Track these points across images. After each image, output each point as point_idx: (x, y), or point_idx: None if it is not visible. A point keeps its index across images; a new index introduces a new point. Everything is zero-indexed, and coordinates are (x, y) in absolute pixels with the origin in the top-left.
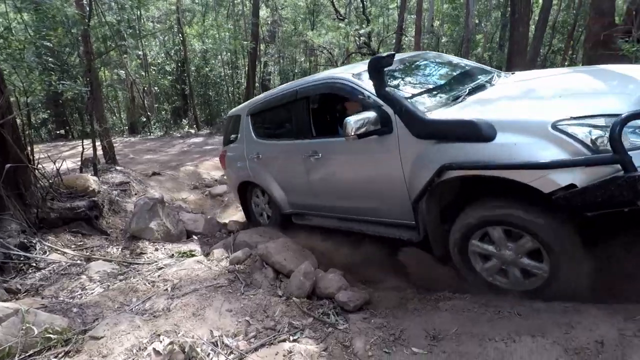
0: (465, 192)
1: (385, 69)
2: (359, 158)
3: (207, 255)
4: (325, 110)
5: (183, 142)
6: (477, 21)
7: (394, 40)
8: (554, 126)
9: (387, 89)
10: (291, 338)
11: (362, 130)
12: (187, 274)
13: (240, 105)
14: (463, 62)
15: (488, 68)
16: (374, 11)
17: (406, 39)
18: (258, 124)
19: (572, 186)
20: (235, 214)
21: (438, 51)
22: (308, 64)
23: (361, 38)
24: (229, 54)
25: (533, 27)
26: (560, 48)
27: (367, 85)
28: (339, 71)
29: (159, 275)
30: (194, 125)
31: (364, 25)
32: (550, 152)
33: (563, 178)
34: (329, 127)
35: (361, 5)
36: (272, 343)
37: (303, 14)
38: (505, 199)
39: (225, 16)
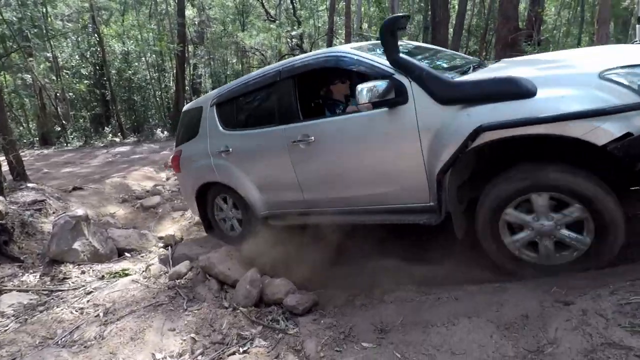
0: (490, 161)
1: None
2: (365, 136)
3: (143, 272)
4: (310, 93)
5: (107, 152)
6: None
7: (326, 42)
8: (602, 76)
9: (400, 54)
10: (241, 349)
11: (377, 98)
12: (122, 295)
13: (200, 98)
14: (445, 50)
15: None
16: (304, 13)
17: (337, 40)
18: (227, 114)
19: (627, 135)
20: (171, 226)
21: None
22: (240, 65)
23: (293, 40)
24: (154, 56)
25: (451, 30)
26: (475, 49)
27: (370, 56)
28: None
29: (88, 301)
30: (119, 133)
31: (295, 27)
32: (600, 102)
33: (618, 127)
34: (316, 111)
35: (291, 7)
36: (221, 358)
37: (232, 15)
38: (561, 163)
39: (147, 15)
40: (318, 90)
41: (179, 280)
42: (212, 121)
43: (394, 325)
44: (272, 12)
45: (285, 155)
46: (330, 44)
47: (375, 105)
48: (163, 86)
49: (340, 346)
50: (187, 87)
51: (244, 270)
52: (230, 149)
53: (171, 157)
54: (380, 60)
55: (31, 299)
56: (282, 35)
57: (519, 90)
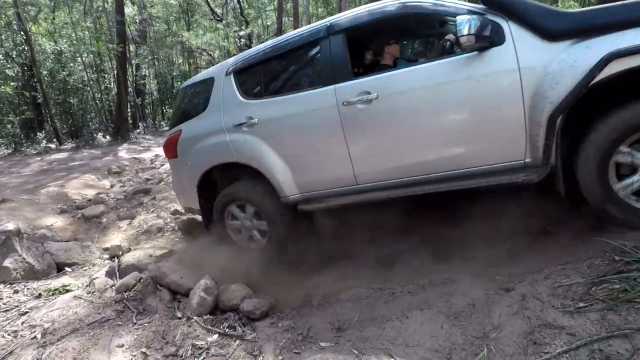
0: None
1: None
2: (449, 87)
3: (86, 287)
4: (359, 52)
5: (41, 159)
6: None
7: None
8: None
9: None
10: None
11: (479, 31)
12: (62, 313)
13: (210, 69)
14: None
15: None
16: (252, 13)
17: None
18: (250, 81)
19: None
20: (117, 236)
21: None
22: (187, 66)
23: (241, 40)
24: (91, 56)
25: None
26: None
27: (449, 1)
28: None
29: (22, 323)
30: (55, 139)
31: (243, 27)
32: None
33: None
34: (368, 70)
35: (238, 6)
36: None
37: (176, 13)
38: None
39: (82, 12)
40: (362, 51)
41: (127, 293)
42: (228, 91)
43: (351, 323)
44: (219, 11)
45: (333, 120)
46: None
47: (477, 39)
48: (103, 88)
49: (299, 348)
50: (130, 89)
51: (198, 277)
52: (256, 120)
53: (165, 141)
54: (462, 2)
55: None
56: (230, 35)
57: None
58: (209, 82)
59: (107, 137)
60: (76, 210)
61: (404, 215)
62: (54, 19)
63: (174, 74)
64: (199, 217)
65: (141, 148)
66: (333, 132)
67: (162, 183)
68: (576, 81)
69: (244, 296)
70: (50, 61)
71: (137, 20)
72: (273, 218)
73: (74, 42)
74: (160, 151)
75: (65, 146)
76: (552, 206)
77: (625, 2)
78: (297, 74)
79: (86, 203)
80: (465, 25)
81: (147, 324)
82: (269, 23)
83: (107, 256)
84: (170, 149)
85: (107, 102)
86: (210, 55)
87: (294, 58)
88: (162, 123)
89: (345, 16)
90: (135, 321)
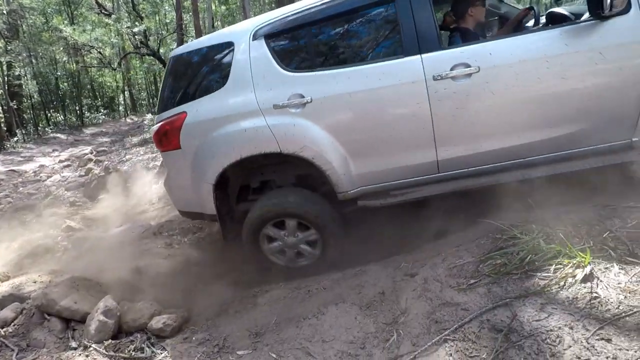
0: None
1: None
2: (566, 58)
3: None
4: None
5: None
6: None
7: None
8: None
9: None
10: None
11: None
12: None
13: (221, 31)
14: None
15: None
16: (147, 8)
17: (187, 38)
18: (294, 48)
19: None
20: None
21: None
22: (74, 65)
23: (137, 37)
24: None
25: None
26: None
27: None
28: None
29: None
30: None
31: (137, 23)
32: None
33: None
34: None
35: (130, 0)
36: None
37: (55, 5)
38: None
39: None
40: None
41: (4, 329)
42: (261, 61)
43: (268, 327)
44: (109, 5)
45: (419, 97)
46: (180, 42)
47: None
48: None
49: None
50: (0, 90)
51: (96, 299)
52: (309, 99)
53: (157, 128)
54: None
55: None
56: (122, 32)
57: None
58: (224, 49)
59: None
60: None
61: None
62: None
63: (58, 73)
64: (93, 233)
65: (21, 159)
66: (417, 112)
67: (51, 197)
68: None
69: (152, 313)
70: None
71: (5, 12)
72: (324, 223)
73: None
74: (45, 161)
75: None
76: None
77: None
78: (364, 40)
79: None
80: None
81: None
82: (168, 20)
83: None
84: (168, 138)
85: None
86: (100, 52)
87: (359, 20)
88: (47, 129)
89: None
90: None
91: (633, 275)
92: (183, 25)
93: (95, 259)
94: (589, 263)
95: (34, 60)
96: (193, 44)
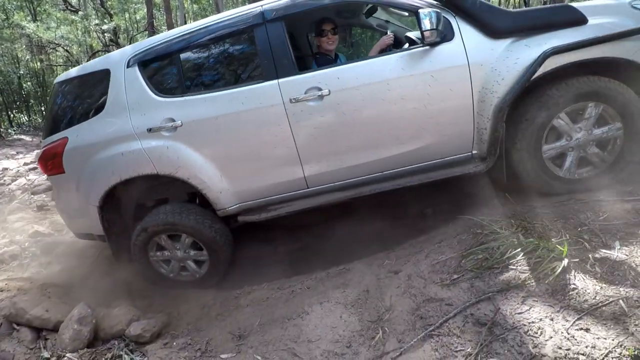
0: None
1: None
2: (403, 81)
3: None
4: (295, 41)
5: None
6: None
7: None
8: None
9: None
10: None
11: (440, 26)
12: None
13: (98, 59)
14: None
15: None
16: (116, 5)
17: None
18: (164, 74)
19: None
20: None
21: None
22: (39, 63)
23: (105, 34)
24: None
25: None
26: None
27: None
28: None
29: None
30: None
31: (106, 20)
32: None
33: None
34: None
35: None
36: None
37: (16, 1)
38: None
39: None
40: (297, 40)
41: None
42: (135, 87)
43: (252, 329)
44: (74, 1)
45: (279, 119)
46: None
47: (438, 34)
48: None
49: None
50: None
51: (69, 307)
52: (180, 122)
53: (41, 153)
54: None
55: None
56: (90, 29)
57: (577, 16)
58: (102, 76)
59: None
60: None
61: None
62: None
63: (21, 72)
64: (63, 238)
65: None
66: (279, 133)
67: (16, 201)
68: (520, 76)
69: (130, 319)
70: None
71: None
72: (216, 247)
73: None
74: (8, 164)
75: None
76: (424, 191)
77: (555, 5)
78: (228, 67)
79: None
80: (429, 18)
81: None
82: (139, 17)
83: None
84: (52, 163)
85: None
86: (67, 51)
87: (223, 47)
88: (9, 131)
89: (281, 1)
90: None
91: (607, 266)
92: (154, 23)
93: (68, 265)
94: (565, 256)
95: None
96: (74, 70)
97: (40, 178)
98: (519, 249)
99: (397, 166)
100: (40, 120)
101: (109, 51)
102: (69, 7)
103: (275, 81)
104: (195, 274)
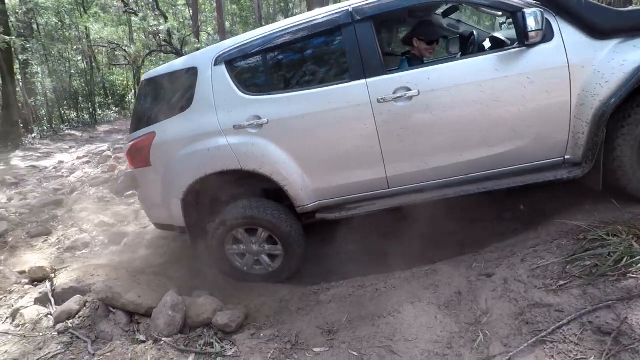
0: None
1: None
2: (497, 83)
3: (14, 320)
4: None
5: None
6: (262, 24)
7: (196, 40)
8: None
9: None
10: None
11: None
12: None
13: (185, 57)
14: None
15: None
16: (161, 6)
17: (204, 38)
18: (251, 73)
19: None
20: (32, 257)
21: None
22: (89, 62)
23: (159, 35)
24: None
25: None
26: None
27: None
28: None
29: None
30: None
31: (161, 21)
32: None
33: None
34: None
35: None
36: None
37: (69, 4)
38: None
39: None
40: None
41: (70, 321)
42: (221, 85)
43: (341, 324)
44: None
45: (365, 118)
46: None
47: (539, 37)
48: None
49: (291, 357)
50: (19, 89)
51: (157, 294)
52: (266, 120)
53: (129, 146)
54: None
55: None
56: (147, 30)
57: None
58: (189, 74)
59: None
60: None
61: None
62: None
63: (72, 71)
64: (129, 228)
65: (40, 155)
66: (364, 132)
67: (77, 193)
68: (628, 79)
69: (215, 309)
70: None
71: (20, 12)
72: (291, 242)
73: None
74: (63, 157)
75: None
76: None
77: None
78: (315, 66)
79: None
80: (534, 17)
81: (108, 354)
82: (181, 19)
83: (27, 281)
84: (139, 157)
85: None
86: (125, 50)
87: (309, 47)
88: (61, 127)
89: (370, 1)
90: (92, 352)
91: None
92: (199, 24)
93: (141, 254)
94: None
95: (49, 59)
96: (161, 68)
97: (95, 171)
98: (637, 257)
99: (483, 169)
100: (87, 117)
101: (163, 51)
102: (128, 10)
103: (363, 81)
104: (268, 267)
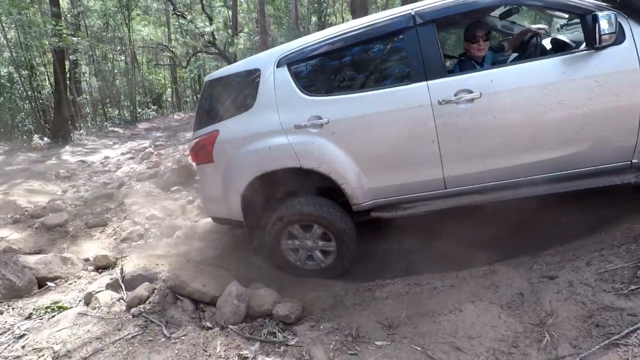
0: None
1: None
2: (561, 85)
3: (84, 303)
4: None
5: None
6: (298, 24)
7: (238, 41)
8: None
9: None
10: None
11: (616, 29)
12: (72, 333)
13: (248, 59)
14: None
15: None
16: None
17: (242, 39)
18: (313, 75)
19: None
20: (92, 246)
21: None
22: (130, 62)
23: (204, 36)
24: (19, 50)
25: None
26: None
27: None
28: None
29: (23, 347)
30: None
31: (206, 23)
32: None
33: None
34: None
35: (200, 2)
36: None
37: (114, 7)
38: None
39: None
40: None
41: (142, 306)
42: (284, 86)
43: (400, 320)
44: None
45: (425, 120)
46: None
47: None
48: (35, 85)
49: (353, 349)
50: (70, 87)
51: (219, 284)
52: (326, 120)
53: (193, 143)
54: None
55: None
56: (193, 32)
57: None
58: (252, 75)
59: (45, 139)
60: (32, 220)
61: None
62: None
63: (115, 71)
64: (179, 222)
65: (87, 150)
66: (424, 133)
67: (125, 187)
68: None
69: (275, 301)
70: None
71: (74, 13)
72: (345, 238)
73: None
74: (108, 153)
75: None
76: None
77: None
78: (376, 68)
79: (41, 211)
80: (608, 20)
81: (183, 337)
82: (223, 19)
83: (92, 268)
84: (202, 153)
85: (41, 102)
86: (172, 51)
87: (370, 49)
88: (105, 124)
89: (432, 5)
90: (168, 335)
91: None
92: (238, 26)
93: (195, 246)
94: None
95: (95, 59)
96: (225, 69)
97: (140, 167)
98: None
99: (543, 172)
100: (127, 115)
101: (207, 52)
102: (177, 12)
103: (424, 83)
104: (320, 263)
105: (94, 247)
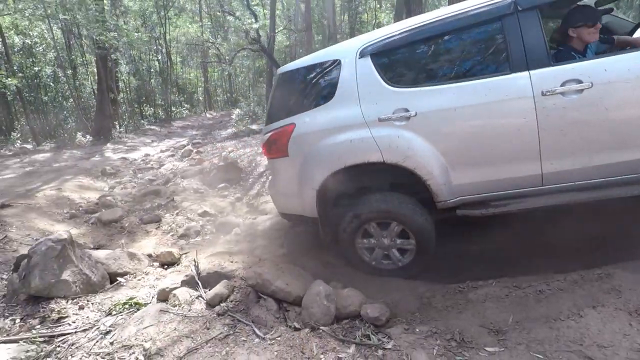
0: None
1: None
2: None
3: (161, 300)
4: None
5: (20, 161)
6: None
7: (283, 38)
8: None
9: None
10: None
11: None
12: (160, 331)
13: (326, 50)
14: None
15: None
16: (236, 5)
17: (283, 36)
18: (398, 65)
19: None
20: (150, 242)
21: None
22: (166, 61)
23: (249, 33)
24: (63, 50)
25: None
26: None
27: None
28: None
29: (111, 343)
30: (30, 139)
31: (252, 21)
32: None
33: None
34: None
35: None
36: None
37: (152, 7)
38: None
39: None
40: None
41: (224, 304)
42: (366, 77)
43: (507, 325)
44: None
45: (525, 112)
46: (273, 40)
47: None
48: (78, 84)
49: (460, 354)
50: (112, 86)
51: (300, 283)
52: (413, 112)
53: (267, 138)
54: None
55: (28, 351)
56: (244, 30)
57: None
58: (331, 66)
59: (88, 136)
60: (87, 215)
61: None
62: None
63: (151, 70)
64: (232, 219)
65: (127, 147)
66: (522, 126)
67: (171, 184)
68: None
69: (361, 302)
70: (19, 55)
71: (115, 12)
72: (426, 236)
73: (45, 33)
74: (147, 150)
75: (43, 147)
76: None
77: None
78: (469, 57)
79: (94, 207)
80: None
81: (278, 338)
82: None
83: (158, 264)
84: (276, 147)
85: (83, 100)
86: (218, 49)
87: (462, 38)
88: (142, 122)
89: None
90: (263, 336)
91: None
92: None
93: (258, 243)
94: None
95: (135, 58)
96: (299, 61)
97: (182, 164)
98: None
99: None
100: (161, 113)
101: (252, 50)
102: (223, 11)
103: (526, 73)
104: (397, 262)
105: (151, 243)
